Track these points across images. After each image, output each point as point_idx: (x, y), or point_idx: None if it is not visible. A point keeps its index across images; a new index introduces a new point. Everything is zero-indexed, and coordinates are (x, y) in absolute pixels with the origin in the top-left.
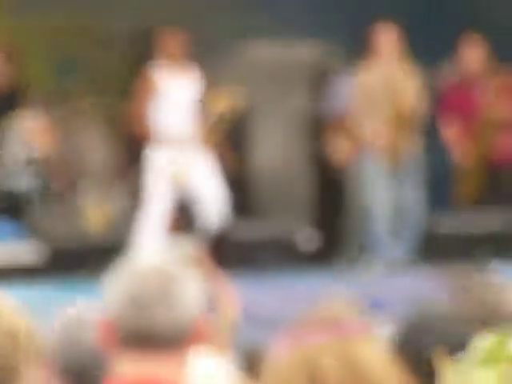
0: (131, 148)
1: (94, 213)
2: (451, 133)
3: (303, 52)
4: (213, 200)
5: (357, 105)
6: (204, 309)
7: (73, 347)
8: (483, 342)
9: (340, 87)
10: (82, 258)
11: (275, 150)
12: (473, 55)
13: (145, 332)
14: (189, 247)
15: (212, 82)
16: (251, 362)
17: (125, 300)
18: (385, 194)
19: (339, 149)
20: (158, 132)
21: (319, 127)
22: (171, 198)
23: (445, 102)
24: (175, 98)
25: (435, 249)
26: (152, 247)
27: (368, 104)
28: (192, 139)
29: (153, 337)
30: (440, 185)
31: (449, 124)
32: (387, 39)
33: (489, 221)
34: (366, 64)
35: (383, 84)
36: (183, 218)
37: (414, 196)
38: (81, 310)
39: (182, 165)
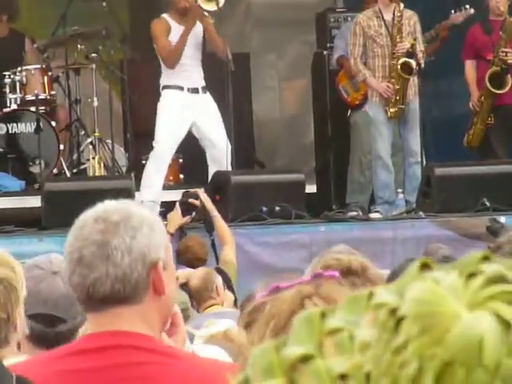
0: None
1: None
2: (472, 76)
3: None
4: (223, 145)
5: (357, 51)
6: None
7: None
8: None
9: (343, 32)
10: None
11: (279, 95)
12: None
13: (90, 292)
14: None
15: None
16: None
17: (66, 256)
18: (388, 142)
19: (344, 94)
20: (171, 74)
21: (324, 72)
22: (179, 140)
23: (467, 45)
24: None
25: (439, 196)
26: (154, 190)
27: (368, 50)
28: (201, 84)
29: (99, 296)
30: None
31: (470, 67)
32: None
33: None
34: (365, 9)
35: (383, 29)
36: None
37: (414, 145)
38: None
39: (197, 109)
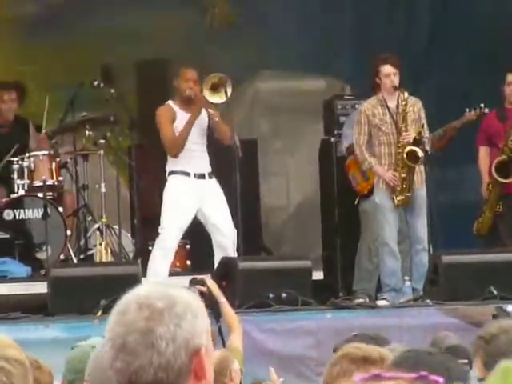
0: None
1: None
2: (484, 163)
3: (313, 85)
4: (229, 231)
5: (363, 139)
6: (207, 340)
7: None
8: None
9: (351, 120)
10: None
11: (286, 182)
12: None
13: (133, 379)
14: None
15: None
16: None
17: (108, 340)
18: (395, 229)
19: (354, 183)
20: (178, 160)
21: (331, 159)
22: (186, 226)
23: (482, 131)
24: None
25: (446, 283)
26: (161, 275)
27: (374, 138)
28: (207, 170)
29: (142, 383)
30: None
31: (484, 154)
32: (390, 72)
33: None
34: (372, 97)
35: (388, 117)
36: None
37: (421, 232)
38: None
39: (203, 195)
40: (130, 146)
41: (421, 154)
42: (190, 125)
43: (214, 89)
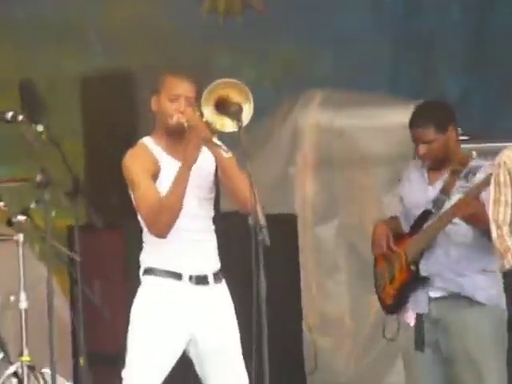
0: None
1: None
2: None
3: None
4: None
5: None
6: None
7: None
8: None
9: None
10: None
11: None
12: None
13: None
14: None
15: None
16: None
17: None
18: None
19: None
20: (159, 247)
21: None
22: (168, 368)
23: None
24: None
25: None
26: None
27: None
28: (213, 267)
29: None
30: None
31: None
32: None
33: None
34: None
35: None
36: None
37: None
38: None
39: (201, 312)
40: (71, 227)
41: None
42: (183, 177)
43: (222, 108)
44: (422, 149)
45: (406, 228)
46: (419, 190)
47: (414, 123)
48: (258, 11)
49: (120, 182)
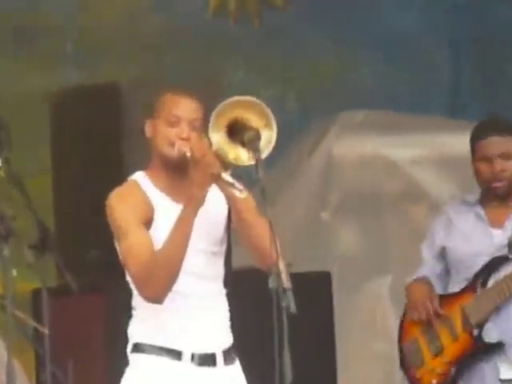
0: None
1: None
2: None
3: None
4: None
5: None
6: None
7: None
8: None
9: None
10: None
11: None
12: None
13: None
14: None
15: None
16: None
17: None
18: None
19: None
20: (154, 317)
21: None
22: None
23: None
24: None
25: None
26: None
27: None
28: (224, 343)
29: None
30: None
31: None
32: None
33: None
34: None
35: None
36: None
37: None
38: None
39: None
40: (37, 291)
41: None
42: (185, 224)
43: (235, 134)
44: (500, 164)
45: (439, 289)
46: (478, 236)
47: (483, 132)
48: (279, 7)
49: (102, 231)
